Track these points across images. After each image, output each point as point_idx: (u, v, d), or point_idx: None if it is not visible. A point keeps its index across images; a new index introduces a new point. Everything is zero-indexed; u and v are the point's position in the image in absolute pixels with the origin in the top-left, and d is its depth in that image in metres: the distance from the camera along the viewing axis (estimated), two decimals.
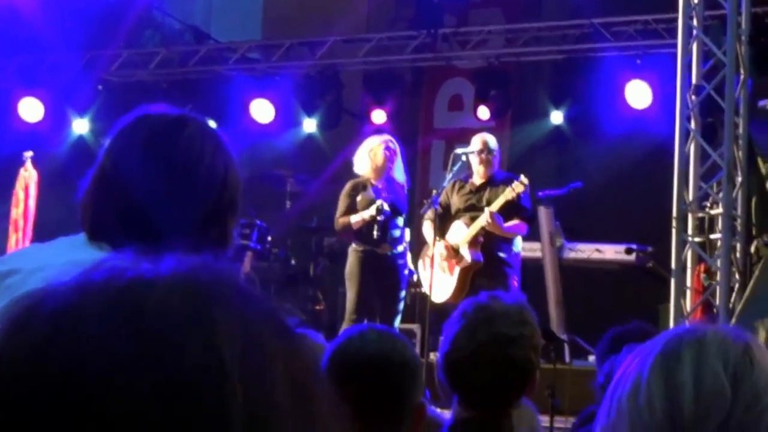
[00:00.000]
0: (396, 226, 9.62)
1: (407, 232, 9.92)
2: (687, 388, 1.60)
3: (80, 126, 14.51)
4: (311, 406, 0.95)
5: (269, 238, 12.82)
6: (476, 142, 9.75)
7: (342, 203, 9.70)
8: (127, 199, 2.39)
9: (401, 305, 9.66)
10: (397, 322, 9.50)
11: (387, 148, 9.61)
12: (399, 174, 9.72)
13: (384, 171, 9.59)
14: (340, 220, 9.65)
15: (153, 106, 2.57)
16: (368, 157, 9.62)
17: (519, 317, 3.24)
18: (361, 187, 9.66)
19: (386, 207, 9.45)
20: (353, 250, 9.71)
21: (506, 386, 3.18)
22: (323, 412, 0.96)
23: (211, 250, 2.37)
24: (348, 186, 9.77)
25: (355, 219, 9.52)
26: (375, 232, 9.45)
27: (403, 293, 9.67)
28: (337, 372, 2.77)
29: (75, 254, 2.35)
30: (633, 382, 1.64)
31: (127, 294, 0.94)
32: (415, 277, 10.04)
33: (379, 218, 9.42)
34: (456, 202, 9.71)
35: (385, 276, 9.57)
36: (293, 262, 13.26)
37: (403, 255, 9.67)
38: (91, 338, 0.91)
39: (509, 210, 9.40)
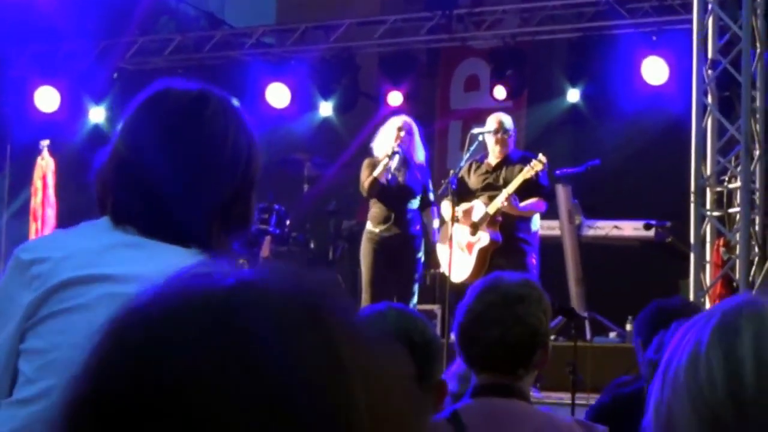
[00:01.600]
0: (409, 207, 9.71)
1: (434, 209, 9.97)
2: (748, 362, 1.55)
3: (96, 114, 14.55)
4: (409, 407, 1.00)
5: (288, 222, 12.80)
6: (491, 121, 9.79)
7: (364, 171, 9.80)
8: (151, 181, 2.35)
9: (416, 286, 9.74)
10: (413, 303, 9.56)
11: (401, 128, 9.70)
12: (419, 154, 9.81)
13: (405, 149, 9.69)
14: (366, 182, 9.73)
15: (173, 81, 2.49)
16: (383, 138, 9.75)
17: (525, 282, 3.33)
18: (378, 164, 9.75)
19: (396, 148, 9.57)
20: (366, 233, 9.85)
21: (516, 345, 3.21)
22: (414, 411, 1.01)
23: (235, 227, 2.42)
24: (366, 161, 9.89)
25: (377, 171, 9.63)
26: (391, 171, 9.59)
27: (417, 274, 9.74)
28: None
29: (105, 238, 2.36)
30: (689, 355, 1.59)
31: (233, 300, 0.96)
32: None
33: (392, 162, 9.56)
34: (473, 182, 9.75)
35: (398, 256, 9.65)
36: (312, 245, 13.27)
37: (417, 234, 9.73)
38: (202, 347, 0.93)
39: (528, 188, 9.45)
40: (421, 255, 9.78)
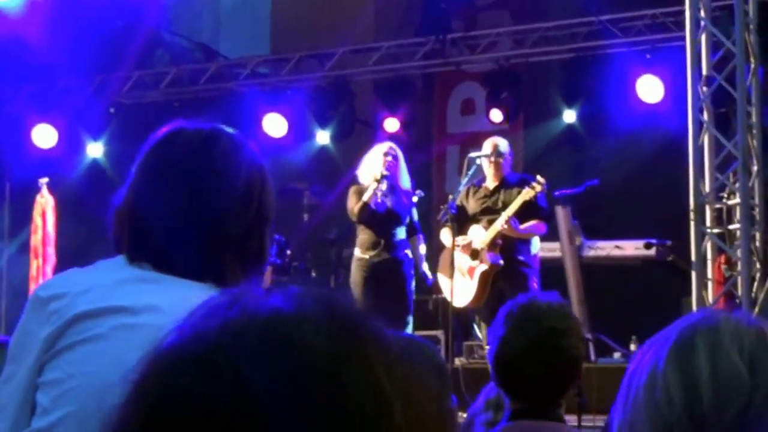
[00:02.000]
0: (397, 233, 9.71)
1: (420, 237, 9.97)
2: (704, 377, 1.58)
3: (94, 150, 14.57)
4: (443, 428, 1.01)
5: (288, 252, 12.78)
6: (487, 145, 9.84)
7: (352, 198, 9.80)
8: (165, 218, 2.39)
9: (410, 317, 9.67)
10: (409, 328, 9.54)
11: (387, 154, 9.70)
12: (403, 181, 9.82)
13: (391, 176, 9.69)
14: (355, 207, 9.71)
15: (185, 121, 2.55)
16: (369, 165, 9.77)
17: (563, 311, 3.38)
18: (365, 191, 9.74)
19: (385, 171, 9.55)
20: (355, 260, 9.85)
21: (559, 378, 3.30)
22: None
23: (251, 262, 2.45)
24: (353, 188, 9.89)
25: (367, 195, 9.61)
26: (379, 196, 9.58)
27: (410, 297, 9.69)
28: None
29: (120, 273, 2.39)
30: (648, 374, 1.62)
31: (274, 330, 0.96)
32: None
33: (381, 185, 9.54)
34: (472, 206, 9.79)
35: (389, 281, 9.63)
36: (313, 274, 13.24)
37: (406, 260, 9.70)
38: (247, 377, 0.93)
39: (527, 211, 9.46)
40: (412, 284, 9.75)
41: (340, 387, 0.94)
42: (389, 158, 9.67)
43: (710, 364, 1.60)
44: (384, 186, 9.60)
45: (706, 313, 1.69)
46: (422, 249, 9.98)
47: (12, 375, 2.33)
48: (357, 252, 9.84)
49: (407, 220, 9.78)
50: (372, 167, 9.72)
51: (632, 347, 10.49)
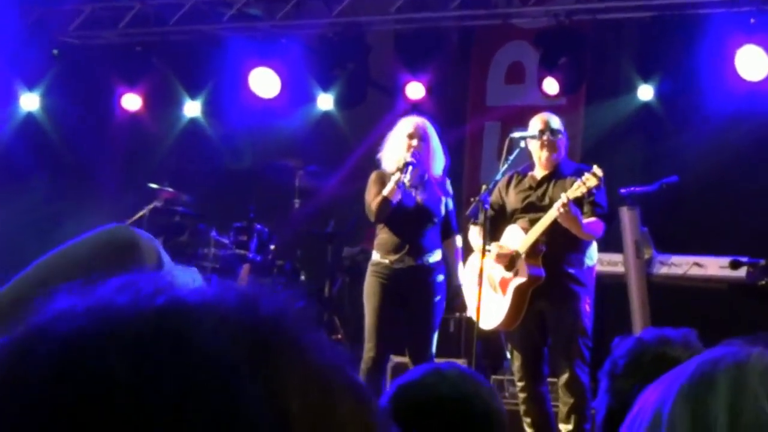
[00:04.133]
0: (428, 233, 9.76)
1: (458, 240, 10.01)
2: (720, 422, 1.59)
3: (29, 101, 14.59)
4: None
5: (272, 247, 12.80)
6: (536, 123, 9.78)
7: (372, 189, 9.83)
8: None
9: (434, 335, 9.74)
10: (429, 355, 9.62)
11: (412, 135, 9.71)
12: (436, 166, 9.83)
13: (420, 162, 9.69)
14: (373, 203, 9.74)
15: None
16: (392, 148, 9.81)
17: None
18: (389, 179, 9.76)
19: (409, 158, 9.57)
20: (372, 265, 9.92)
21: None
22: None
23: None
24: (374, 174, 9.92)
25: (387, 189, 9.64)
26: (404, 188, 9.60)
27: (436, 318, 9.74)
28: (401, 416, 2.82)
29: None
30: (652, 417, 1.63)
31: (160, 326, 0.98)
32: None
33: (404, 177, 9.54)
34: (512, 200, 9.73)
35: (413, 295, 9.70)
36: (303, 277, 13.28)
37: (437, 267, 9.76)
38: (111, 378, 0.95)
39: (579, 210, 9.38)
40: (441, 295, 9.79)
41: (227, 399, 0.95)
42: (415, 142, 9.69)
43: (730, 408, 1.60)
44: (409, 176, 9.59)
45: (736, 345, 1.68)
46: (459, 253, 10.05)
47: None
48: (375, 255, 9.89)
49: (442, 217, 9.83)
50: (396, 150, 9.77)
51: None
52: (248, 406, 0.95)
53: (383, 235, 9.84)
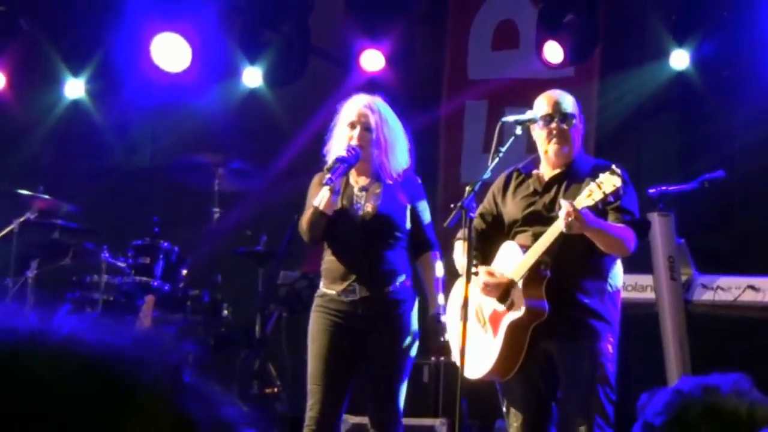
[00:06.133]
0: (388, 251, 9.74)
1: (439, 266, 9.92)
2: None
3: None
4: None
5: (184, 272, 12.83)
6: (541, 104, 9.68)
7: (312, 197, 9.84)
8: None
9: (402, 386, 9.72)
10: (397, 410, 9.65)
11: (353, 124, 9.73)
12: (398, 158, 9.86)
13: (369, 158, 9.75)
14: (303, 221, 9.78)
15: None
16: (338, 140, 9.83)
17: None
18: None
19: (344, 153, 9.58)
20: (317, 298, 9.93)
21: None
22: None
23: None
24: (317, 177, 9.95)
25: (320, 198, 9.65)
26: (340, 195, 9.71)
27: (405, 361, 9.71)
28: None
29: None
30: None
31: (11, 361, 1.22)
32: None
33: (336, 179, 9.55)
34: (511, 207, 9.66)
35: (372, 337, 9.70)
36: (226, 312, 13.40)
37: (404, 297, 9.69)
38: None
39: None
40: (411, 334, 9.74)
41: None
42: (356, 132, 9.69)
43: None
44: (340, 179, 9.63)
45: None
46: (438, 271, 9.88)
47: None
48: (321, 285, 9.88)
49: (406, 228, 9.76)
50: (339, 145, 9.76)
51: None
52: None
53: (329, 259, 9.83)
